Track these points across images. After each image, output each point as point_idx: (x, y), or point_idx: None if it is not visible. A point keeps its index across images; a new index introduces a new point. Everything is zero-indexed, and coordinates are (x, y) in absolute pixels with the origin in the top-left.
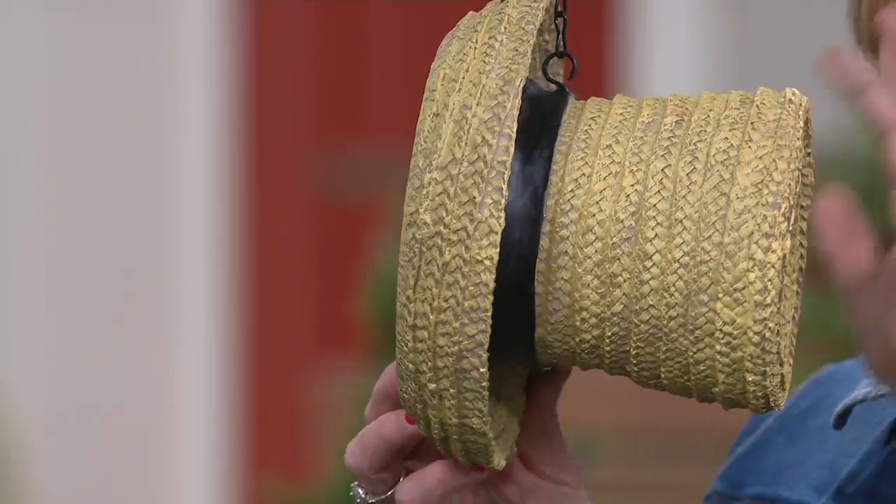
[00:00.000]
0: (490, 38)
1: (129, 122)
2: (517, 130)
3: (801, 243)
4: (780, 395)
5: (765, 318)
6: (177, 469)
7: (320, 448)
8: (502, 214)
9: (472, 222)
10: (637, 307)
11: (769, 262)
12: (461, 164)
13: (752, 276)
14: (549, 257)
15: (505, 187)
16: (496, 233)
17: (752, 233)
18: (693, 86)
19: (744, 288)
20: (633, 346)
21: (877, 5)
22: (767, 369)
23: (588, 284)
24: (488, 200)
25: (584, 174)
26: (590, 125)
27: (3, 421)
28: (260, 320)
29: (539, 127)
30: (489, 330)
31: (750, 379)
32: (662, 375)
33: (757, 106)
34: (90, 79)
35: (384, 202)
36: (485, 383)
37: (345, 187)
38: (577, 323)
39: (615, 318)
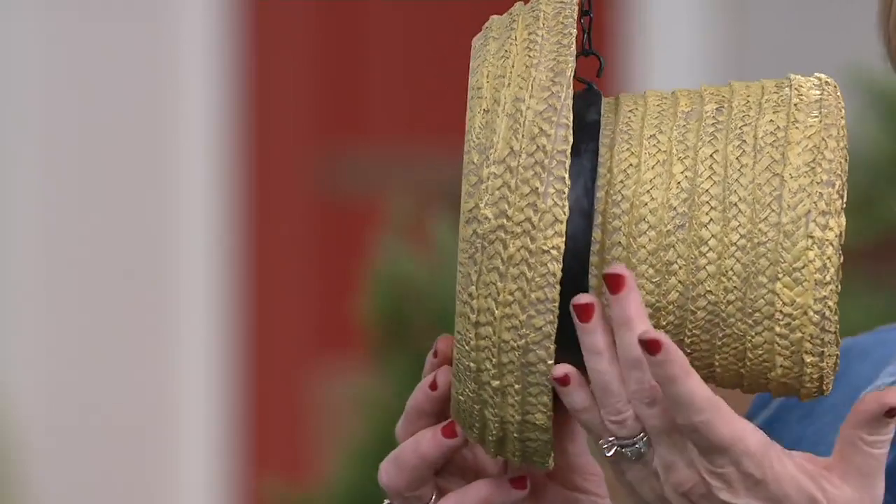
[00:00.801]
0: (529, 34)
1: (128, 122)
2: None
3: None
4: (832, 378)
5: (825, 297)
6: (177, 469)
7: (320, 448)
8: (566, 203)
9: (536, 213)
10: (693, 294)
11: (827, 240)
12: (520, 156)
13: (811, 254)
14: (602, 249)
15: (567, 176)
16: (561, 222)
17: (809, 211)
18: (693, 86)
19: (803, 267)
20: (689, 334)
21: None
22: (826, 349)
23: (643, 274)
24: (551, 190)
25: (631, 164)
26: (629, 118)
27: (3, 421)
28: (260, 320)
29: (580, 122)
30: (556, 321)
31: (808, 360)
32: (716, 363)
33: (795, 89)
34: (90, 79)
35: (384, 202)
36: (549, 376)
37: (345, 187)
38: None
39: (671, 307)
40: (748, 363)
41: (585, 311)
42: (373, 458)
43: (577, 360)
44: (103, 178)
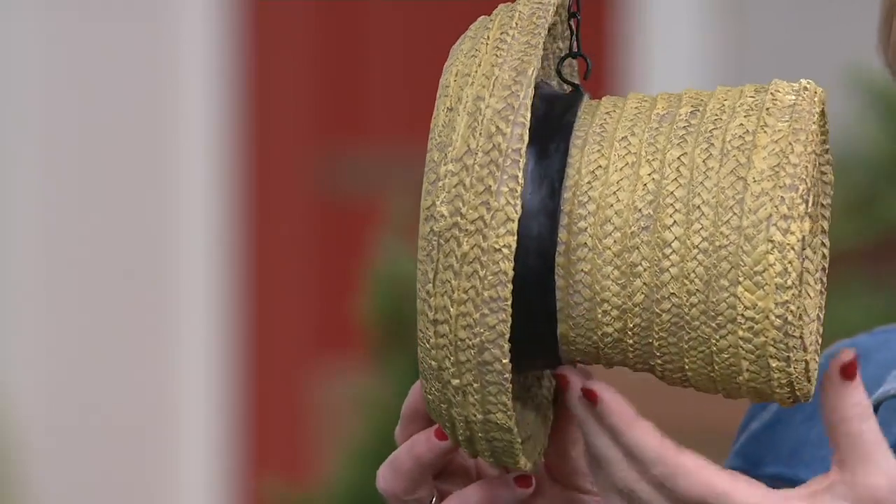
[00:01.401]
0: (502, 33)
1: (128, 122)
2: (532, 125)
3: (822, 243)
4: (807, 385)
5: (786, 301)
6: (177, 469)
7: (320, 448)
8: (518, 202)
9: (488, 211)
10: (658, 296)
11: (788, 244)
12: (476, 154)
13: (771, 258)
14: (567, 250)
15: (520, 175)
16: (513, 220)
17: (771, 215)
18: (693, 87)
19: (764, 271)
20: (656, 336)
21: None
22: (791, 354)
23: (608, 276)
24: (504, 189)
25: (600, 166)
26: (605, 119)
27: (3, 421)
28: (260, 320)
29: (554, 123)
30: (510, 320)
31: (774, 365)
32: (687, 367)
33: (772, 93)
34: (90, 79)
35: (384, 202)
36: (507, 375)
37: (345, 187)
38: (599, 316)
39: (637, 309)
40: (716, 367)
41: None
42: (372, 457)
43: (538, 361)
44: (103, 178)
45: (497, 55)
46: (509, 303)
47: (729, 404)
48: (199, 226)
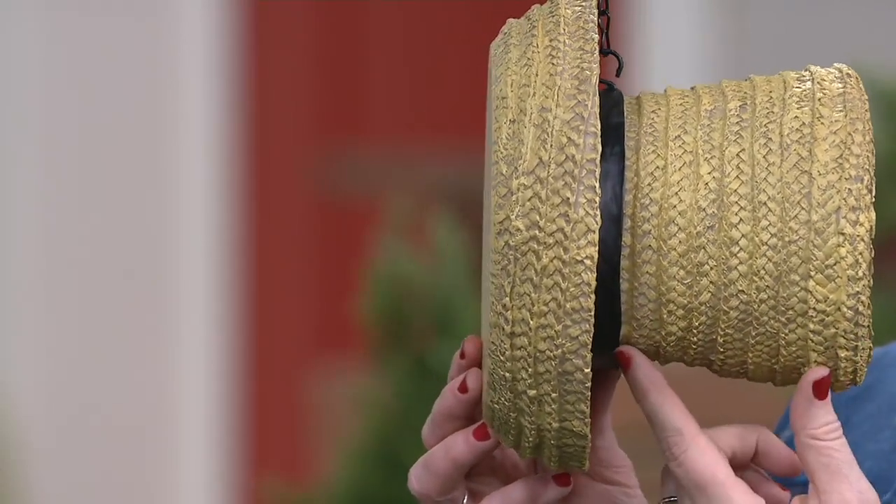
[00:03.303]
0: (551, 40)
1: (128, 121)
2: None
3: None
4: (865, 370)
5: (858, 292)
6: (176, 469)
7: (320, 448)
8: (598, 213)
9: (568, 223)
10: (726, 294)
11: (858, 236)
12: (549, 166)
13: (843, 250)
14: (632, 253)
15: (597, 185)
16: (594, 231)
17: (840, 207)
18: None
19: (835, 263)
20: (721, 333)
21: None
22: (860, 344)
23: (674, 276)
24: (582, 200)
25: (658, 167)
26: (653, 118)
27: (3, 421)
28: (260, 320)
29: (604, 126)
30: (592, 330)
31: (843, 355)
32: (749, 361)
33: (818, 83)
34: (89, 78)
35: (384, 202)
36: (588, 384)
37: (345, 187)
38: (665, 316)
39: (703, 308)
40: (781, 360)
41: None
42: (372, 458)
43: (608, 363)
44: (103, 178)
45: (553, 63)
46: (592, 313)
47: (731, 406)
48: (199, 225)
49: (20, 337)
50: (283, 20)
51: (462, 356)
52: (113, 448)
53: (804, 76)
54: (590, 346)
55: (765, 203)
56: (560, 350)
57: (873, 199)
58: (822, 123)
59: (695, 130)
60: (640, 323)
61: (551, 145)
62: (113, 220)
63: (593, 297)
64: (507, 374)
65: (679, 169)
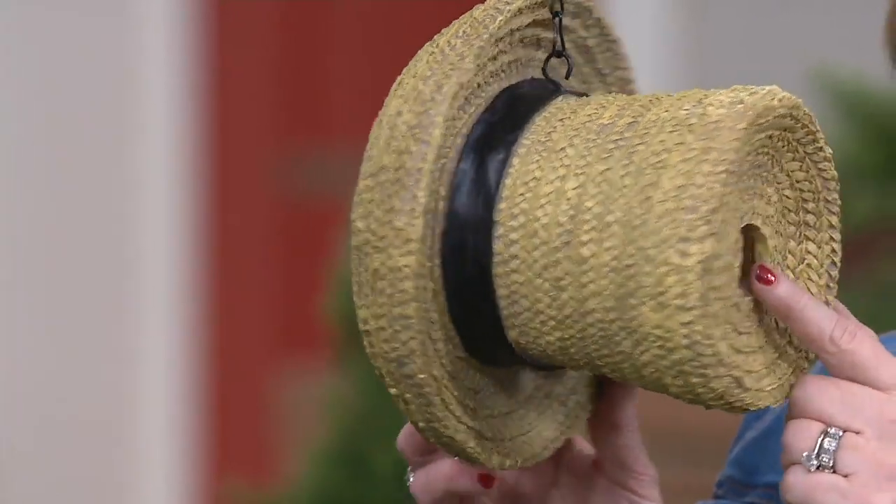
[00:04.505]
0: (447, 41)
1: (91, 121)
2: (478, 135)
3: (831, 237)
4: (743, 395)
5: (689, 322)
6: (140, 471)
7: (284, 450)
8: (418, 222)
9: (392, 230)
10: (583, 310)
11: (687, 266)
12: (388, 171)
13: (669, 280)
14: (503, 261)
15: (422, 195)
16: (413, 240)
17: (669, 237)
18: (654, 89)
19: (664, 293)
20: (592, 348)
21: None
22: (708, 372)
23: (539, 288)
24: (406, 208)
25: (535, 178)
26: (555, 127)
27: None
28: (223, 321)
29: (503, 130)
30: (420, 336)
31: (694, 381)
32: (628, 376)
33: (705, 107)
34: (51, 77)
35: (347, 203)
36: (428, 388)
37: (308, 188)
38: (539, 325)
39: (569, 321)
40: (646, 379)
41: (769, 275)
42: (336, 458)
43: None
44: (65, 179)
45: (431, 67)
46: (414, 321)
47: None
48: (162, 226)
49: None
50: (245, 21)
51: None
52: (75, 450)
53: (701, 100)
54: (419, 353)
55: (611, 225)
56: (396, 353)
57: (713, 231)
58: (678, 150)
59: (578, 144)
60: (523, 330)
61: (393, 150)
62: (76, 221)
63: (414, 304)
64: (377, 372)
65: (551, 182)
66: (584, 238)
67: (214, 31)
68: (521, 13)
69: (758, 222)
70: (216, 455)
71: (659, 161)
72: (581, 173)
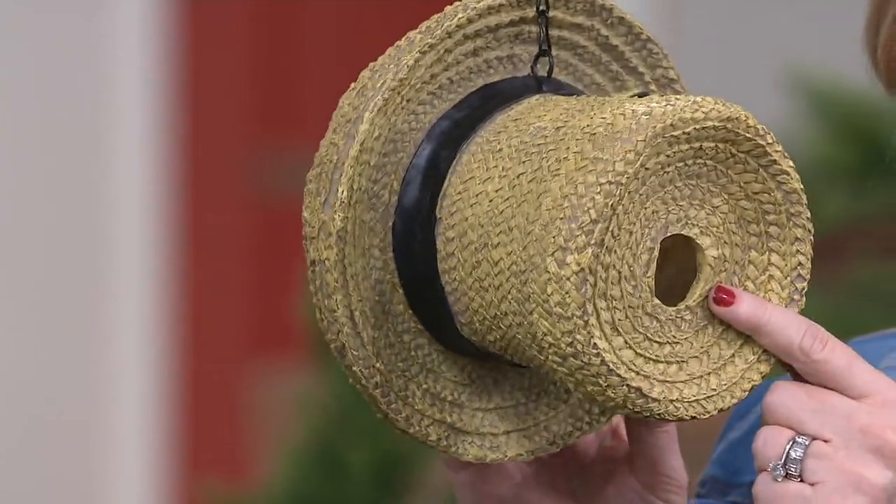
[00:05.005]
0: (406, 38)
1: (63, 119)
2: (439, 130)
3: (798, 251)
4: (651, 405)
5: (570, 331)
6: (113, 471)
7: (258, 450)
8: (340, 215)
9: (318, 222)
10: (500, 312)
11: (564, 276)
12: (325, 164)
13: (549, 288)
14: (444, 258)
15: (343, 189)
16: (332, 234)
17: (548, 246)
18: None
19: (546, 301)
20: (526, 346)
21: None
22: (600, 381)
23: (472, 287)
24: (331, 200)
25: (472, 177)
26: (506, 126)
27: None
28: (197, 321)
29: (464, 126)
30: (349, 330)
31: (590, 389)
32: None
33: (616, 115)
34: (23, 73)
35: None
36: (366, 382)
37: (281, 187)
38: (477, 324)
39: (496, 322)
40: (560, 383)
41: (726, 295)
42: (311, 458)
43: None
44: (37, 177)
45: (384, 60)
46: (339, 313)
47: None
48: (135, 225)
49: None
50: (218, 19)
51: None
52: (49, 450)
53: (619, 108)
54: (348, 346)
55: (513, 229)
56: (334, 345)
57: (591, 242)
58: (573, 159)
59: (513, 145)
60: (471, 326)
61: (330, 143)
62: (48, 220)
63: (336, 296)
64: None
65: (482, 182)
66: (495, 241)
67: (187, 30)
68: (498, 10)
69: (692, 232)
70: (191, 455)
71: (557, 168)
72: (504, 175)
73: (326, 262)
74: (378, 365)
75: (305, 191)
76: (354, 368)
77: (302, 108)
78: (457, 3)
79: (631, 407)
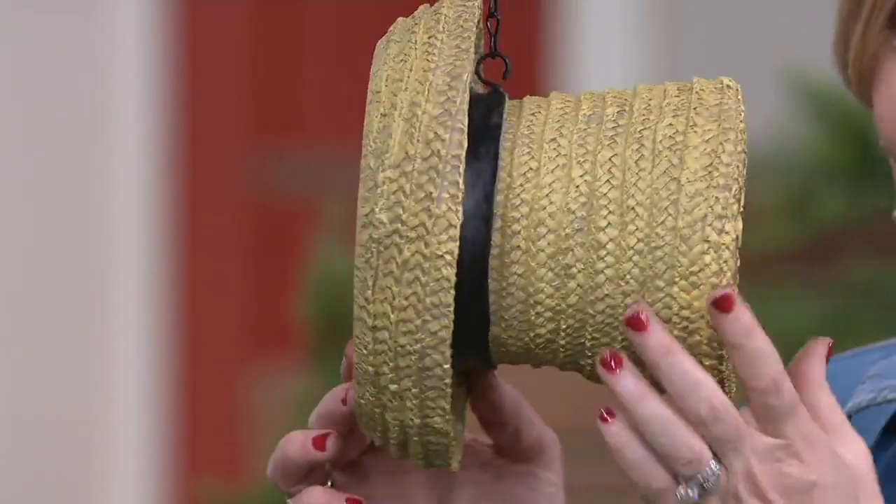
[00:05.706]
0: (430, 37)
1: (62, 118)
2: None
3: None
4: (734, 386)
5: None
6: (111, 470)
7: (255, 449)
8: (460, 208)
9: (430, 218)
10: (592, 297)
11: (723, 244)
12: (415, 160)
13: (707, 258)
14: (501, 253)
15: (461, 181)
16: (454, 227)
17: (706, 215)
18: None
19: (700, 271)
20: (589, 337)
21: (867, 45)
22: (724, 353)
23: (542, 278)
24: (445, 195)
25: (531, 168)
26: (531, 121)
27: None
28: (195, 321)
29: (481, 126)
30: (451, 326)
31: (707, 363)
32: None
33: (697, 93)
34: (21, 73)
35: (319, 202)
36: (448, 380)
37: (280, 187)
38: (532, 318)
39: (570, 311)
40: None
41: (614, 362)
42: None
43: (469, 361)
44: (35, 177)
45: (429, 59)
46: (451, 308)
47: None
48: (133, 225)
49: None
50: (218, 19)
51: (347, 359)
52: (47, 450)
53: (685, 86)
54: (449, 342)
55: (633, 208)
56: (420, 345)
57: (741, 210)
58: (694, 132)
59: (570, 134)
60: (510, 324)
61: (418, 140)
62: (46, 221)
63: (453, 292)
64: (370, 369)
65: (551, 171)
66: (602, 223)
67: (186, 30)
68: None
69: None
70: (189, 455)
71: (675, 143)
72: (585, 160)
73: (447, 256)
74: (447, 366)
75: (381, 191)
76: (445, 367)
77: (301, 109)
78: (453, 3)
79: (723, 384)
